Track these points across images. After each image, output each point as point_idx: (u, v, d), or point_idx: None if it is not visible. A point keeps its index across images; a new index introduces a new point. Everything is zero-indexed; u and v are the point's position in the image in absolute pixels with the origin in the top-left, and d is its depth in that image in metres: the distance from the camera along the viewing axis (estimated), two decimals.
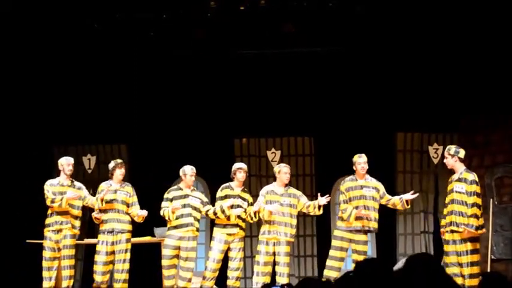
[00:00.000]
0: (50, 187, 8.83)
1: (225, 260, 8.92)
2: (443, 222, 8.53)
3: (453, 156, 8.35)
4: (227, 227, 8.81)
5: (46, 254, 8.83)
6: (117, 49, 10.43)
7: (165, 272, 8.87)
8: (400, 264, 2.96)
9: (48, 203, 8.77)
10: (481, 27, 9.85)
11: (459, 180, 8.29)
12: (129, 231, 8.92)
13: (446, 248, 8.40)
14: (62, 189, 8.84)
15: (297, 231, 9.30)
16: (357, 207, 8.64)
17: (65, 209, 8.78)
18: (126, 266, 8.83)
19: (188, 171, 8.94)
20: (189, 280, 8.87)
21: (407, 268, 2.84)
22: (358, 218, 8.64)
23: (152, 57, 10.73)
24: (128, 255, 8.86)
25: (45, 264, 8.84)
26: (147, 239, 9.64)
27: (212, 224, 9.35)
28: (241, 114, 11.04)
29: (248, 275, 10.67)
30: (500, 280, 3.86)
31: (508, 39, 9.77)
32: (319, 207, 8.75)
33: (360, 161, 8.75)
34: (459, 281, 8.06)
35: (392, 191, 9.38)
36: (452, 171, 8.49)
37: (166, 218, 8.85)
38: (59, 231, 8.80)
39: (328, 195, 8.85)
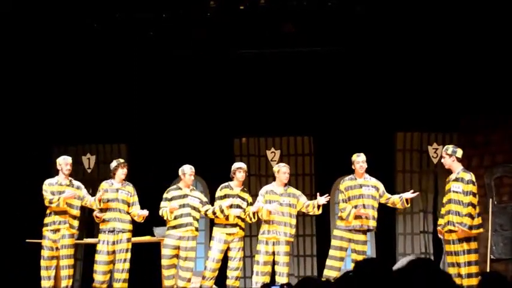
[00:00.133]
0: (49, 187, 8.84)
1: (225, 259, 8.93)
2: (440, 221, 8.56)
3: (451, 156, 8.37)
4: (227, 226, 8.82)
5: (44, 253, 8.84)
6: (117, 49, 10.43)
7: (165, 272, 8.88)
8: (399, 264, 2.96)
9: (46, 203, 8.78)
10: (481, 27, 9.85)
11: (456, 180, 8.32)
12: (129, 230, 8.93)
13: (445, 247, 8.45)
14: (60, 189, 8.85)
15: (296, 231, 9.30)
16: (356, 206, 8.65)
17: (63, 209, 8.79)
18: (127, 265, 8.83)
19: (187, 170, 8.94)
20: (189, 280, 8.88)
21: (407, 268, 2.85)
22: (357, 217, 8.65)
23: (152, 57, 10.73)
24: (129, 255, 8.87)
25: (43, 263, 8.85)
26: (146, 238, 9.64)
27: (212, 223, 9.35)
28: (240, 113, 11.04)
29: (248, 275, 10.67)
30: (500, 280, 3.86)
31: (508, 39, 9.77)
32: (319, 206, 8.76)
33: (359, 160, 8.76)
34: (458, 281, 8.06)
35: (391, 190, 9.38)
36: (449, 171, 8.52)
37: (165, 218, 8.85)
38: (57, 230, 8.80)
39: (327, 194, 8.85)
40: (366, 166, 8.79)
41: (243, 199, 8.91)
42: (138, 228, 9.39)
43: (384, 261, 2.98)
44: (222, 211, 8.69)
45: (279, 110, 10.99)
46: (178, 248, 8.80)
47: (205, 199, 9.12)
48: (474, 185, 8.29)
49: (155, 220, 9.24)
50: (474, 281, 8.08)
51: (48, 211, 8.85)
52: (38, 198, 8.92)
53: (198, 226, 9.06)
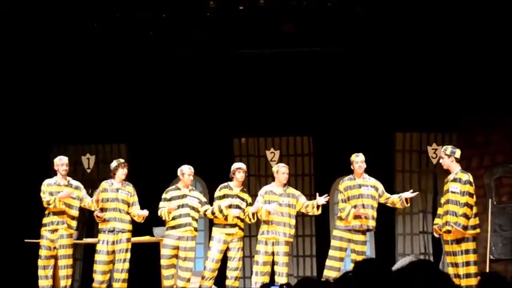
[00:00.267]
0: (47, 187, 8.85)
1: (224, 259, 8.93)
2: (436, 221, 8.57)
3: (449, 157, 8.39)
4: (226, 227, 8.82)
5: (42, 252, 8.84)
6: (117, 49, 10.42)
7: (164, 272, 8.89)
8: (399, 264, 2.96)
9: (44, 204, 8.79)
10: (481, 27, 9.85)
11: (454, 180, 8.36)
12: (129, 230, 8.93)
13: (444, 248, 8.47)
14: (58, 189, 8.85)
15: (296, 231, 9.30)
16: (355, 206, 8.65)
17: (61, 209, 8.79)
18: (126, 265, 8.83)
19: (186, 170, 8.94)
20: (188, 280, 8.88)
21: (406, 269, 2.85)
22: (356, 217, 8.65)
23: (152, 57, 10.73)
24: (128, 255, 8.87)
25: (40, 262, 8.85)
26: (146, 238, 9.64)
27: (211, 223, 9.35)
28: (240, 114, 11.04)
29: (247, 275, 10.67)
30: (499, 280, 3.86)
31: (507, 39, 9.77)
32: (318, 207, 8.76)
33: (357, 160, 8.77)
34: (456, 281, 8.08)
35: (391, 190, 9.38)
36: (448, 172, 8.54)
37: (163, 219, 8.86)
38: (55, 230, 8.80)
39: (327, 194, 8.85)
40: (365, 166, 8.79)
41: (243, 199, 8.91)
42: (138, 228, 9.39)
43: (383, 262, 2.98)
44: (221, 211, 8.70)
45: (279, 110, 10.99)
46: (177, 248, 8.81)
47: (204, 199, 9.12)
48: (471, 185, 8.31)
49: (155, 220, 9.24)
50: (473, 281, 8.10)
51: (46, 211, 8.86)
52: (37, 198, 8.92)
53: (197, 226, 9.06)
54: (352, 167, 8.83)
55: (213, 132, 11.05)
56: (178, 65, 10.83)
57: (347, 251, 8.83)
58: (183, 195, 8.90)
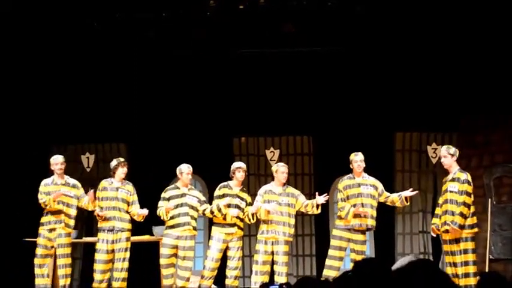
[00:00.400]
0: (44, 188, 8.86)
1: (224, 259, 8.93)
2: (434, 220, 8.59)
3: (452, 156, 8.44)
4: (225, 226, 8.82)
5: (38, 251, 8.84)
6: (117, 48, 10.42)
7: (163, 271, 8.89)
8: (398, 263, 2.97)
9: (42, 205, 8.80)
10: (481, 27, 9.86)
11: (453, 180, 8.39)
12: (129, 230, 8.93)
13: (443, 247, 8.49)
14: (56, 188, 8.86)
15: (295, 231, 9.31)
16: (354, 205, 8.66)
17: (59, 208, 8.79)
18: (126, 264, 8.84)
19: (184, 169, 8.94)
20: (188, 279, 8.88)
21: (406, 268, 2.86)
22: (356, 216, 8.65)
23: (152, 56, 10.73)
24: (128, 254, 8.87)
25: (36, 261, 8.85)
26: (145, 237, 9.65)
27: (210, 223, 9.35)
28: (240, 113, 11.04)
29: (247, 274, 10.67)
30: (499, 280, 3.87)
31: (507, 40, 9.77)
32: (318, 206, 8.76)
33: (356, 159, 8.78)
34: (455, 281, 8.09)
35: (391, 190, 9.38)
36: (447, 171, 8.56)
37: (162, 218, 8.87)
38: (53, 230, 8.80)
39: (326, 194, 8.84)
40: (364, 165, 8.80)
41: (242, 199, 8.91)
42: (138, 228, 9.40)
43: (383, 261, 2.99)
44: (219, 210, 8.70)
45: (278, 110, 11.00)
46: (176, 247, 8.81)
47: (203, 198, 9.12)
48: (470, 184, 8.34)
49: (154, 219, 9.25)
50: (471, 281, 8.12)
51: (44, 211, 8.87)
52: (37, 198, 8.93)
53: (197, 225, 9.06)
54: (351, 166, 8.84)
55: (212, 131, 11.05)
56: (178, 65, 10.83)
57: (346, 251, 8.83)
58: (182, 194, 8.90)
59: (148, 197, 9.30)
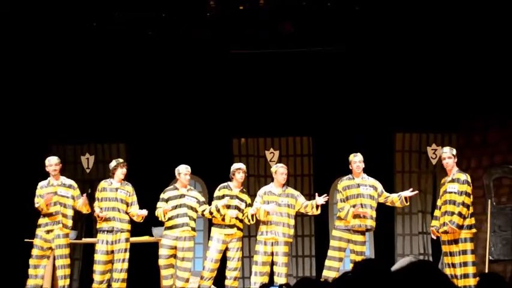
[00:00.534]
0: (40, 190, 8.85)
1: (223, 260, 8.92)
2: (433, 222, 8.59)
3: (455, 157, 8.47)
4: (225, 227, 8.81)
5: (34, 252, 8.81)
6: (116, 48, 10.42)
7: (163, 272, 8.88)
8: (398, 264, 2.96)
9: (38, 209, 8.81)
10: (481, 28, 9.86)
11: (452, 181, 8.40)
12: (128, 230, 8.91)
13: (442, 248, 8.50)
14: (52, 190, 8.84)
15: (295, 231, 9.30)
16: (354, 206, 8.65)
17: (56, 210, 8.77)
18: (125, 265, 8.82)
19: (182, 170, 8.93)
20: (187, 280, 8.87)
21: (405, 269, 2.85)
22: (355, 216, 8.64)
23: (151, 56, 10.73)
24: (127, 255, 8.85)
25: (31, 262, 8.81)
26: (145, 238, 9.64)
27: (210, 224, 9.35)
28: (239, 114, 11.04)
29: (246, 275, 10.67)
30: (498, 281, 3.87)
31: (506, 40, 9.77)
32: (317, 207, 8.75)
33: (356, 159, 8.77)
34: (454, 282, 8.08)
35: (390, 191, 9.37)
36: (446, 172, 8.57)
37: (160, 219, 8.86)
38: (50, 231, 8.79)
39: (326, 194, 8.83)
40: (363, 166, 8.80)
41: (242, 200, 8.90)
42: (137, 228, 9.39)
43: (382, 262, 2.98)
44: (218, 211, 8.69)
45: (278, 111, 11.00)
46: (175, 248, 8.80)
47: (202, 199, 9.11)
48: (469, 185, 8.36)
49: (154, 220, 9.24)
50: (470, 282, 8.12)
51: (41, 212, 8.86)
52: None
53: (195, 226, 9.05)
54: (350, 167, 8.83)
55: (212, 132, 11.05)
56: (178, 65, 10.82)
57: (346, 252, 8.82)
58: (181, 195, 8.90)
59: (148, 197, 9.29)
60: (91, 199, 9.14)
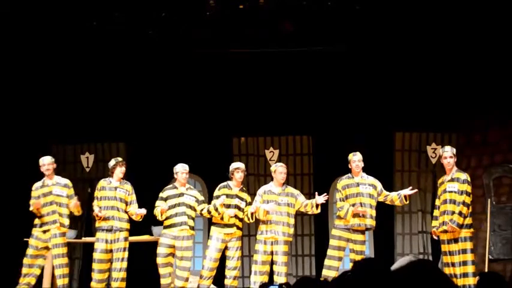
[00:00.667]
0: (35, 192, 8.86)
1: (223, 259, 8.92)
2: (433, 223, 8.60)
3: (455, 157, 8.48)
4: (225, 226, 8.81)
5: (29, 251, 8.81)
6: (116, 48, 10.42)
7: (161, 270, 8.85)
8: (398, 264, 2.96)
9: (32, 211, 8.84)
10: (481, 27, 9.86)
11: (452, 180, 8.40)
12: (127, 229, 8.91)
13: (441, 248, 8.51)
14: (47, 190, 8.84)
15: (295, 231, 9.30)
16: (353, 205, 8.65)
17: (52, 209, 8.76)
18: (124, 264, 8.82)
19: (179, 169, 8.93)
20: (186, 279, 8.87)
21: (405, 269, 2.85)
22: (355, 216, 8.64)
23: (151, 56, 10.73)
24: (126, 254, 8.85)
25: (25, 261, 8.81)
26: (145, 237, 9.64)
27: (210, 223, 9.35)
28: (239, 113, 11.04)
29: (246, 274, 10.67)
30: (498, 280, 3.87)
31: (506, 40, 9.77)
32: (317, 206, 8.75)
33: (355, 159, 8.78)
34: (453, 281, 8.09)
35: (390, 190, 9.37)
36: (444, 172, 8.58)
37: (158, 218, 8.86)
38: (47, 230, 8.78)
39: (326, 193, 8.83)
40: (363, 165, 8.80)
41: (242, 199, 8.90)
42: (137, 228, 9.39)
43: (382, 261, 2.98)
44: (216, 209, 8.69)
45: (278, 110, 11.00)
46: (173, 246, 8.79)
47: (201, 198, 9.10)
48: (469, 184, 8.39)
49: (154, 219, 9.24)
50: (470, 281, 8.13)
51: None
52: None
53: (194, 225, 9.04)
54: (349, 166, 8.83)
55: (212, 131, 11.05)
56: (177, 64, 10.83)
57: (346, 251, 8.83)
58: (180, 194, 8.90)
59: (148, 197, 9.29)
60: (90, 198, 9.14)
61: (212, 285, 8.97)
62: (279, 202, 8.74)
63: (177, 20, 10.00)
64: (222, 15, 9.88)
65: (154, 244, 9.41)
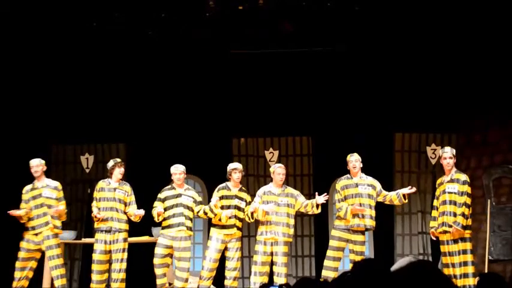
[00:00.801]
0: (25, 195, 8.87)
1: (223, 260, 8.92)
2: (432, 224, 8.60)
3: (455, 158, 8.48)
4: (224, 227, 8.80)
5: (20, 254, 8.79)
6: (116, 48, 10.42)
7: (156, 271, 8.81)
8: (398, 264, 2.96)
9: None
10: (480, 27, 9.86)
11: (451, 181, 8.39)
12: (126, 230, 8.90)
13: (441, 249, 8.51)
14: (36, 193, 8.84)
15: (295, 231, 9.29)
16: (352, 205, 8.65)
17: (43, 211, 8.75)
18: (123, 265, 8.81)
19: (173, 170, 8.92)
20: (186, 280, 8.86)
21: (405, 269, 2.85)
22: (355, 215, 8.64)
23: (151, 56, 10.73)
24: (125, 255, 8.84)
25: (17, 264, 8.80)
26: (144, 238, 9.63)
27: (210, 224, 9.35)
28: (239, 114, 11.04)
29: (246, 275, 10.66)
30: (498, 281, 3.87)
31: (506, 40, 9.77)
32: (318, 206, 8.75)
33: (352, 159, 8.78)
34: (453, 281, 8.09)
35: (389, 190, 9.38)
36: (444, 173, 8.58)
37: (155, 219, 8.86)
38: (39, 233, 8.77)
39: (326, 193, 8.82)
40: (361, 165, 8.79)
41: (242, 199, 8.90)
42: (137, 228, 9.38)
43: (382, 262, 2.98)
44: (211, 210, 8.69)
45: (278, 110, 11.00)
46: (171, 247, 8.78)
47: (199, 199, 9.08)
48: (469, 185, 8.38)
49: (153, 220, 9.24)
50: (470, 281, 8.13)
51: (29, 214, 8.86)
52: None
53: (192, 226, 9.03)
54: (348, 167, 8.83)
55: (212, 132, 11.05)
56: (177, 65, 10.82)
57: (345, 251, 8.82)
58: (178, 194, 8.89)
59: (148, 197, 9.29)
60: (90, 199, 9.13)
61: (212, 286, 8.96)
62: (278, 203, 8.73)
63: (176, 20, 9.99)
64: (221, 16, 9.88)
65: (154, 245, 9.40)
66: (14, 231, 9.88)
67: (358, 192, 8.72)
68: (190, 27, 10.18)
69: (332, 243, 8.77)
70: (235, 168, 8.88)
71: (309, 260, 11.16)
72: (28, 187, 8.92)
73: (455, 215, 8.28)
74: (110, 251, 8.81)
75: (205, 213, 8.79)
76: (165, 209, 8.81)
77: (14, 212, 8.79)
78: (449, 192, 8.38)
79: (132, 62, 10.74)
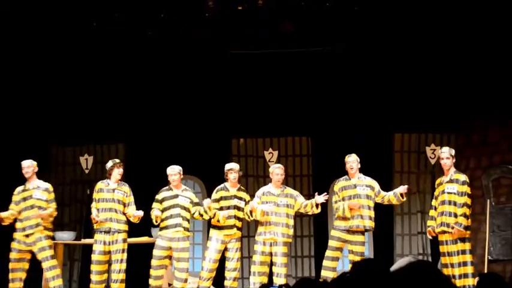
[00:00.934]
0: (15, 196, 8.86)
1: (223, 260, 8.91)
2: (430, 223, 8.59)
3: (453, 158, 8.48)
4: (224, 227, 8.79)
5: (12, 255, 8.77)
6: (116, 48, 10.42)
7: (153, 272, 8.76)
8: (397, 265, 2.96)
9: None
10: (480, 27, 9.86)
11: (451, 181, 8.39)
12: (125, 231, 8.88)
13: (440, 249, 8.50)
14: (27, 194, 8.84)
15: (294, 232, 9.29)
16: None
17: (32, 212, 8.74)
18: (123, 266, 8.80)
19: (169, 171, 8.91)
20: (185, 280, 8.85)
21: (404, 270, 2.85)
22: (354, 216, 8.62)
23: (150, 56, 10.73)
24: (125, 256, 8.82)
25: (10, 266, 8.78)
26: (144, 239, 9.63)
27: (209, 224, 9.34)
28: (238, 114, 11.04)
29: (245, 276, 10.66)
30: (497, 281, 3.87)
31: (505, 40, 9.78)
32: (317, 205, 8.74)
33: (349, 160, 8.78)
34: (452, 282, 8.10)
35: (389, 191, 9.38)
36: (443, 173, 8.58)
37: (153, 222, 8.85)
38: (30, 234, 8.75)
39: (326, 193, 8.81)
40: (359, 166, 8.78)
41: (241, 199, 8.88)
42: (136, 229, 9.37)
43: (381, 262, 2.98)
44: (206, 211, 8.68)
45: (277, 111, 10.99)
46: (169, 248, 8.77)
47: (196, 200, 9.06)
48: (469, 186, 8.39)
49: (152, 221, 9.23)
50: (469, 281, 8.13)
51: (19, 216, 8.85)
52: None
53: (190, 226, 9.01)
54: (346, 168, 8.83)
55: (211, 132, 11.05)
56: (177, 65, 10.82)
57: (344, 251, 8.82)
58: (175, 195, 8.87)
59: (147, 198, 9.28)
60: (89, 200, 9.13)
61: (212, 287, 8.96)
62: (277, 203, 8.72)
63: (176, 20, 9.99)
64: (221, 16, 9.88)
65: (153, 246, 9.41)
66: (5, 232, 9.91)
67: (356, 193, 8.72)
68: (190, 28, 10.17)
69: (331, 243, 8.77)
70: (231, 169, 8.86)
71: (309, 260, 11.15)
72: (20, 188, 8.91)
73: (454, 215, 8.28)
74: (109, 252, 8.80)
75: (201, 215, 8.78)
76: (163, 210, 8.80)
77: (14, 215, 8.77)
78: (448, 193, 8.38)
79: (132, 62, 10.74)
